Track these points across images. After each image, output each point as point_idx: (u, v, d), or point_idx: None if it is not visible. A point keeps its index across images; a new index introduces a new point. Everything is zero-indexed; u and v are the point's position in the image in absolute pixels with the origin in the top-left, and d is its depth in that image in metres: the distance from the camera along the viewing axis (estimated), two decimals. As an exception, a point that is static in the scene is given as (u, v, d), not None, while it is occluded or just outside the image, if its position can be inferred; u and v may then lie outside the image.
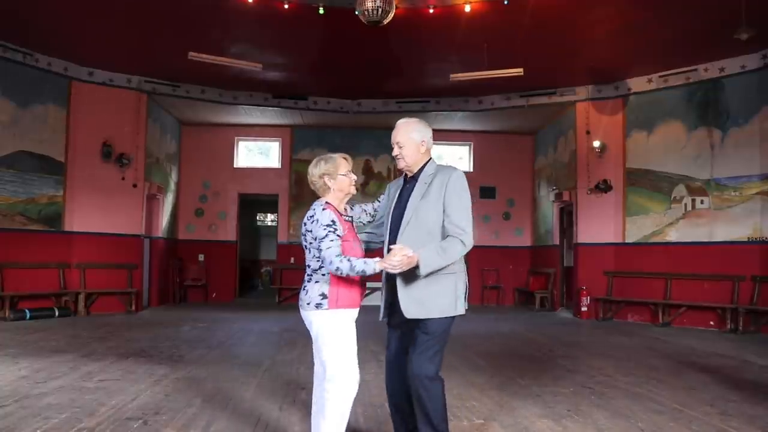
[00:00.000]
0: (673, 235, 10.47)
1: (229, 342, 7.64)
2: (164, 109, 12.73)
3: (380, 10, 7.10)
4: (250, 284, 18.43)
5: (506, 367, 6.11)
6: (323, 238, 2.82)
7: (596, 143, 11.43)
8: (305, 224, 2.94)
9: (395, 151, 3.07)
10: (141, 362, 6.04)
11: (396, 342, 3.10)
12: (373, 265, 2.73)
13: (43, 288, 10.06)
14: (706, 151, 10.04)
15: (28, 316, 9.39)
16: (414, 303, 2.87)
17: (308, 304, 2.91)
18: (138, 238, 11.46)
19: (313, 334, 2.94)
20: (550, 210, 13.25)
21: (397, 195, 3.12)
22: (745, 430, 3.95)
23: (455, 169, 3.02)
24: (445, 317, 2.91)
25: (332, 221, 2.86)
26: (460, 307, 2.93)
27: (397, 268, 2.72)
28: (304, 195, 14.40)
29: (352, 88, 12.31)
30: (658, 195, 10.73)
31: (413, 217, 2.93)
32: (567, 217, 12.74)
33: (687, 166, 10.29)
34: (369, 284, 2.95)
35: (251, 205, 18.25)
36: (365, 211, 3.34)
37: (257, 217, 20.43)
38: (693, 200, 10.20)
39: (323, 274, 2.90)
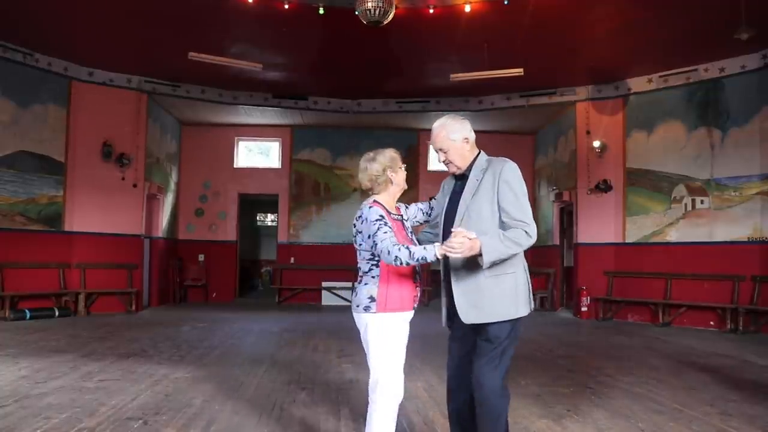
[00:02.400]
0: (673, 235, 10.47)
1: (229, 342, 7.64)
2: (164, 109, 12.74)
3: (380, 10, 7.10)
4: (250, 284, 18.43)
5: (506, 367, 6.11)
6: (376, 231, 2.73)
7: (596, 143, 11.43)
8: (354, 225, 2.87)
9: (441, 158, 2.93)
10: (141, 362, 6.04)
11: (457, 348, 2.94)
12: (434, 251, 2.60)
13: (43, 288, 10.07)
14: (706, 151, 10.04)
15: (28, 316, 9.39)
16: (472, 307, 2.72)
17: (357, 306, 2.83)
18: (138, 238, 11.47)
19: (362, 337, 2.88)
20: (550, 210, 13.25)
21: (450, 193, 2.97)
22: (745, 430, 3.95)
23: (507, 160, 2.85)
24: (506, 321, 2.73)
25: (381, 215, 2.77)
26: (522, 309, 2.76)
27: (458, 252, 2.55)
28: (304, 195, 14.42)
29: (352, 88, 12.32)
30: (658, 195, 10.73)
31: (466, 215, 2.79)
32: (567, 217, 12.74)
33: (687, 166, 10.29)
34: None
35: (251, 205, 18.26)
36: (421, 210, 3.19)
37: (257, 217, 20.43)
38: (693, 200, 10.20)
39: (373, 276, 2.81)
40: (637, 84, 11.01)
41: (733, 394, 4.97)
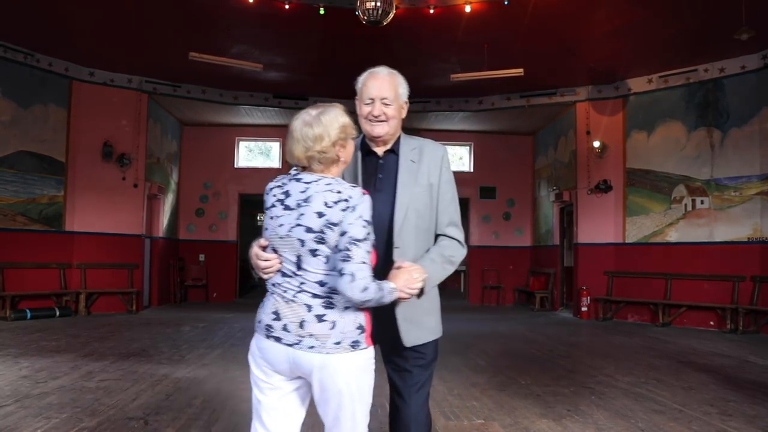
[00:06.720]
0: (673, 235, 10.48)
1: (229, 342, 7.65)
2: (165, 110, 12.74)
3: (380, 10, 7.12)
4: (251, 284, 18.43)
5: (506, 367, 6.12)
6: (359, 240, 1.81)
7: (596, 143, 11.44)
8: (320, 213, 1.83)
9: (377, 110, 2.17)
10: (142, 362, 6.05)
11: None
12: (393, 294, 1.90)
13: (43, 288, 10.07)
14: (706, 152, 10.05)
15: (29, 316, 9.40)
16: (412, 325, 2.14)
17: (338, 343, 1.84)
18: (139, 238, 11.48)
19: (337, 390, 1.87)
20: (550, 210, 13.26)
21: (359, 172, 2.24)
22: (745, 430, 3.96)
23: (439, 143, 2.33)
24: (437, 339, 2.25)
25: (371, 218, 1.88)
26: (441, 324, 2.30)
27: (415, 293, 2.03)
28: (304, 195, 14.41)
29: (352, 89, 12.17)
30: (658, 195, 10.73)
31: (409, 210, 2.15)
32: (567, 217, 12.75)
33: (687, 166, 10.29)
34: None
35: (252, 205, 18.25)
36: None
37: (258, 218, 20.44)
38: (693, 200, 10.21)
39: None
40: (637, 84, 11.01)
41: (733, 394, 4.98)
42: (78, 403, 4.36)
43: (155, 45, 9.81)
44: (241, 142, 14.73)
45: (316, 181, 1.89)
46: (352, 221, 1.81)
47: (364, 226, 1.82)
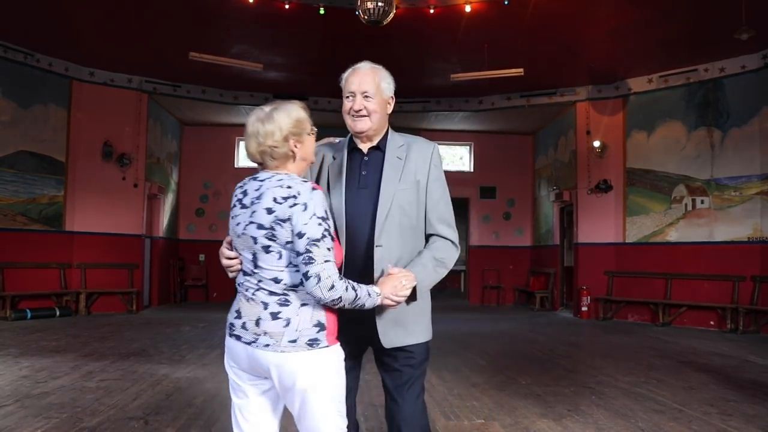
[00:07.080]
0: (673, 235, 10.48)
1: (229, 342, 7.65)
2: (165, 109, 12.74)
3: (380, 10, 7.12)
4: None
5: (506, 367, 6.12)
6: (318, 240, 1.76)
7: (596, 143, 11.44)
8: (270, 209, 1.81)
9: (357, 104, 2.14)
10: (142, 362, 6.06)
11: None
12: (375, 299, 1.87)
13: (44, 288, 10.07)
14: (706, 151, 10.05)
15: (29, 315, 9.40)
16: (394, 326, 2.09)
17: (293, 341, 1.79)
18: (139, 238, 11.48)
19: (295, 390, 1.84)
20: (550, 210, 13.26)
21: (344, 169, 2.20)
22: (745, 430, 3.96)
23: (430, 141, 2.27)
24: (428, 341, 2.20)
25: (326, 212, 1.83)
26: (431, 328, 2.25)
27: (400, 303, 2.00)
28: (304, 195, 14.41)
29: (352, 88, 12.29)
30: (658, 195, 10.73)
31: (393, 207, 2.11)
32: (567, 217, 12.75)
33: (687, 166, 10.29)
34: None
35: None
36: None
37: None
38: (693, 200, 10.21)
39: (309, 292, 1.80)
40: (637, 84, 11.01)
41: (733, 394, 4.98)
42: (78, 403, 4.36)
43: (155, 45, 9.81)
44: (241, 142, 14.71)
45: (269, 177, 1.89)
46: (306, 221, 1.77)
47: (320, 224, 1.78)
